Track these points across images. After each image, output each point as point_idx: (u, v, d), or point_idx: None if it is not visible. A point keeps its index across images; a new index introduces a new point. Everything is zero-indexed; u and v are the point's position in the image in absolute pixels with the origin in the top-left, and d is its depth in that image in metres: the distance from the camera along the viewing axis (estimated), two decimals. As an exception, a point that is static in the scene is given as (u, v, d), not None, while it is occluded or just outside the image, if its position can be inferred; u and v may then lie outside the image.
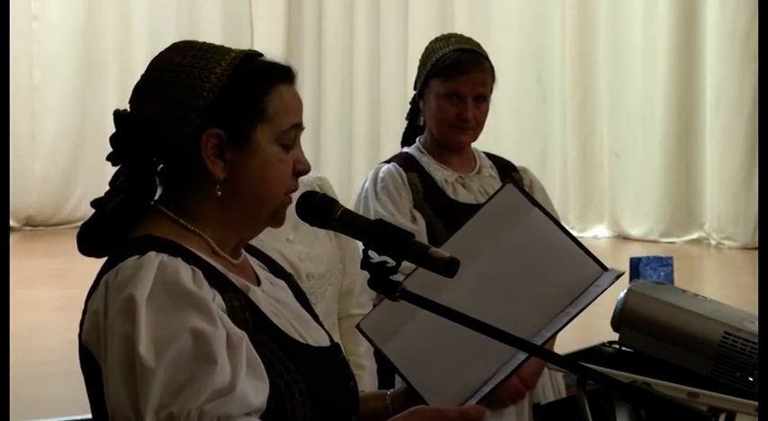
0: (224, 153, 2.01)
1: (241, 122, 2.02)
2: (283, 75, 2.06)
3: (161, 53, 2.07)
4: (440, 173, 3.68)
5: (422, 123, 3.74)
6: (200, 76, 2.01)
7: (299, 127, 2.07)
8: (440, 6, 12.07)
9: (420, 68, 3.68)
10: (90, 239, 2.05)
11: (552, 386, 3.71)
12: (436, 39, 3.72)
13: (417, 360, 2.24)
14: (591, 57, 11.40)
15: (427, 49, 3.69)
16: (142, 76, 2.07)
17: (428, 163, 3.69)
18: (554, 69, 11.60)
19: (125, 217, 2.04)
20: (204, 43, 2.08)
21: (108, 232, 2.03)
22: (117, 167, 2.07)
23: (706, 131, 10.78)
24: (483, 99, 3.63)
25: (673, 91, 10.91)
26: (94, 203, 2.06)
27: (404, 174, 3.65)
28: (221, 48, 2.07)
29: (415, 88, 3.73)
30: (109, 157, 2.06)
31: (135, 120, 2.04)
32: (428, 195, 3.63)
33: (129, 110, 2.06)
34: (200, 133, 2.00)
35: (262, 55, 2.08)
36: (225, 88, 2.01)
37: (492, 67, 3.67)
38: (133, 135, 2.03)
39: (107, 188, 2.08)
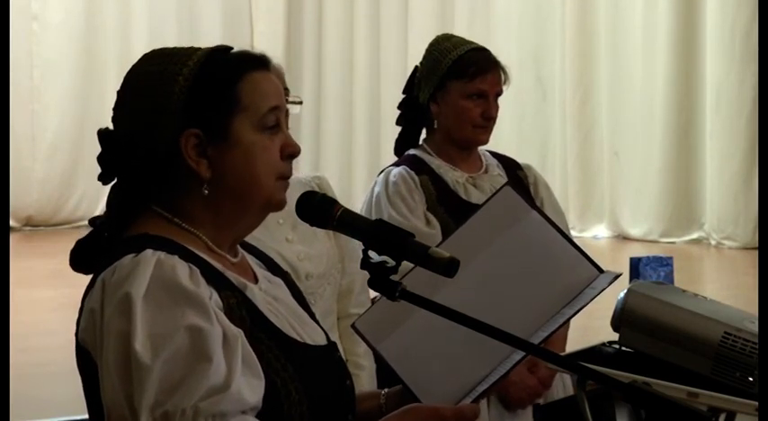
0: (206, 151, 2.01)
1: (216, 117, 2.01)
2: (253, 62, 2.05)
3: (133, 66, 2.08)
4: (450, 174, 3.68)
5: (434, 126, 3.72)
6: (168, 79, 2.01)
7: (278, 109, 2.05)
8: (440, 6, 12.07)
9: (429, 71, 3.66)
10: (83, 256, 2.05)
11: (563, 385, 3.73)
12: (438, 41, 3.71)
13: (412, 359, 2.24)
14: (591, 57, 11.40)
15: (433, 51, 3.67)
16: (118, 91, 2.07)
17: (438, 165, 3.69)
18: (554, 69, 11.61)
19: (119, 221, 2.04)
20: (174, 48, 2.07)
21: (99, 249, 2.03)
22: (110, 185, 2.07)
23: (706, 131, 10.78)
24: (498, 96, 3.67)
25: (673, 91, 10.92)
26: (91, 222, 2.07)
27: (416, 178, 3.64)
28: (189, 49, 2.06)
29: (416, 92, 3.71)
30: (100, 177, 2.06)
31: (117, 136, 2.04)
32: (441, 197, 3.63)
33: (111, 128, 2.06)
34: (179, 135, 2.00)
35: (231, 48, 2.07)
36: (193, 87, 2.01)
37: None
38: (117, 151, 2.03)
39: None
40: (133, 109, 2.03)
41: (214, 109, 2.01)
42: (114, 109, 2.06)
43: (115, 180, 2.07)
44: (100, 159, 2.06)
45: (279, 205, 2.07)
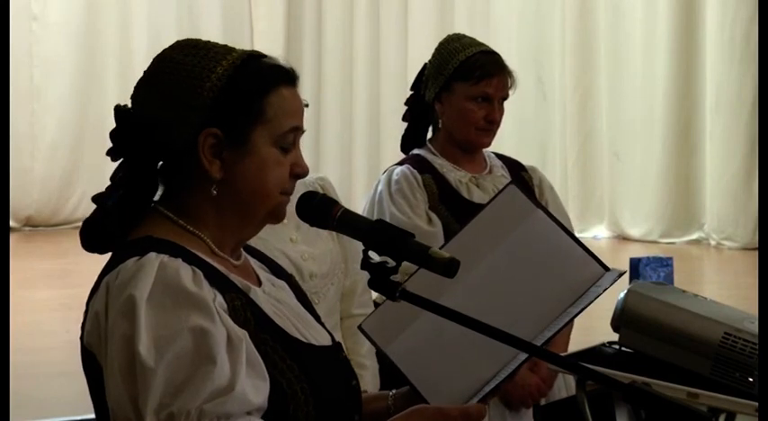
0: (221, 152, 2.01)
1: (239, 123, 2.02)
2: (285, 77, 2.06)
3: (164, 50, 2.08)
4: (453, 174, 3.69)
5: (439, 125, 3.73)
6: (200, 75, 2.01)
7: (298, 130, 2.06)
8: (440, 6, 12.07)
9: (436, 71, 3.66)
10: (92, 235, 2.05)
11: (565, 385, 3.73)
12: (448, 40, 3.71)
13: (420, 361, 2.24)
14: (591, 57, 11.40)
15: (442, 51, 3.68)
16: (145, 72, 2.07)
17: (441, 164, 3.69)
18: (554, 69, 11.61)
19: (126, 214, 2.04)
20: (208, 42, 2.08)
21: (109, 227, 2.03)
22: (117, 163, 2.07)
23: (706, 131, 10.78)
24: (504, 100, 3.67)
25: (673, 91, 10.91)
26: (95, 198, 2.06)
27: (418, 176, 3.65)
28: (224, 47, 2.07)
29: (422, 91, 3.71)
30: (108, 152, 2.06)
31: (135, 117, 2.04)
32: (443, 197, 3.64)
33: (130, 106, 2.06)
34: (198, 132, 2.00)
35: (265, 56, 2.08)
36: (224, 88, 2.01)
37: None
38: (133, 131, 2.03)
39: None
40: (158, 96, 2.03)
41: (239, 114, 2.01)
42: (137, 88, 2.06)
43: (122, 159, 2.06)
44: (113, 135, 2.05)
45: (278, 218, 2.08)
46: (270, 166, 2.03)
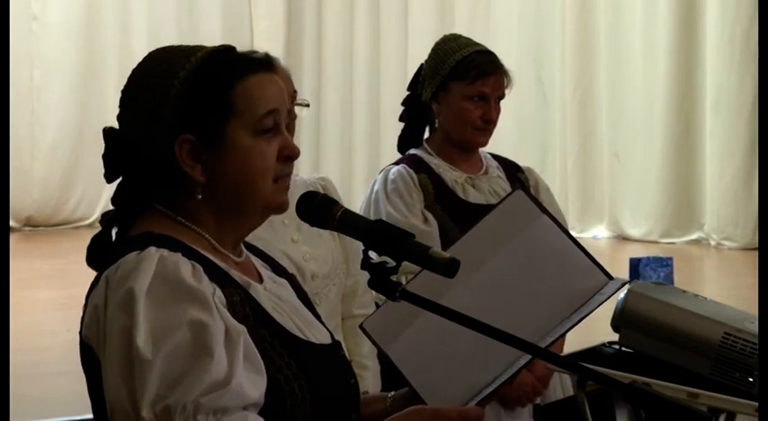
0: (200, 156, 2.00)
1: (210, 123, 2.00)
2: (251, 65, 2.03)
3: (137, 64, 2.07)
4: (449, 174, 3.69)
5: (435, 125, 3.73)
6: (164, 83, 2.00)
7: (277, 112, 2.03)
8: (440, 6, 12.08)
9: (433, 71, 3.67)
10: (96, 252, 2.06)
11: (561, 386, 3.73)
12: (444, 40, 3.72)
13: (420, 362, 2.24)
14: (591, 57, 11.40)
15: (438, 51, 3.69)
16: (121, 90, 2.07)
17: (438, 164, 3.70)
18: (554, 70, 11.61)
19: (124, 221, 2.05)
20: (178, 47, 2.06)
21: (108, 245, 2.04)
22: (117, 183, 2.08)
23: (706, 131, 10.78)
24: (500, 99, 3.68)
25: (673, 91, 10.92)
26: (101, 221, 2.08)
27: (414, 176, 3.66)
28: (191, 49, 2.05)
29: (418, 91, 3.72)
30: (104, 176, 2.06)
31: (121, 136, 2.04)
32: (439, 196, 3.65)
33: (117, 126, 2.07)
34: (173, 141, 2.00)
35: (232, 49, 2.06)
36: (188, 92, 1.99)
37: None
38: (120, 150, 2.04)
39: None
40: (133, 110, 2.03)
41: (208, 114, 2.00)
42: (119, 107, 2.06)
43: (120, 178, 2.07)
44: (104, 158, 2.06)
45: (280, 207, 2.07)
46: (251, 158, 2.01)
